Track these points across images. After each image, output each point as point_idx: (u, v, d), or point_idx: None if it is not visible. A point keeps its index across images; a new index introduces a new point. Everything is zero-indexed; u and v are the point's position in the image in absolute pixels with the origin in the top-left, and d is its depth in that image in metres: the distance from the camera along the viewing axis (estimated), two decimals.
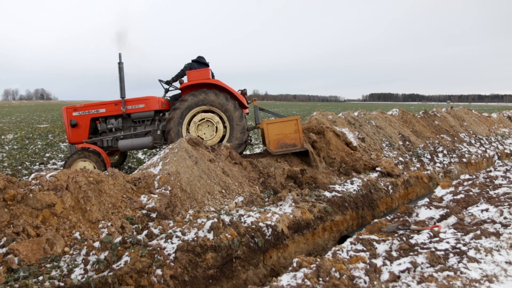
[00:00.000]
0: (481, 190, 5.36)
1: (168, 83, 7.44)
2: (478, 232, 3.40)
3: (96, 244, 3.47)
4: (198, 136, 6.82)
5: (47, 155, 9.62)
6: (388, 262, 3.06)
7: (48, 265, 3.22)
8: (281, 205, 5.05)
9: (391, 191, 6.65)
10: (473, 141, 11.46)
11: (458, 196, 5.04)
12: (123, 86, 6.98)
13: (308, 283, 2.73)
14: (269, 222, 4.33)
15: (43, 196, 3.73)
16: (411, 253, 3.15)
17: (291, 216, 4.64)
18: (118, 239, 3.53)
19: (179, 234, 3.72)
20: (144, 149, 8.88)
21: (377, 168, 7.15)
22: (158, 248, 3.43)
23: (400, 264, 2.95)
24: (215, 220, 3.91)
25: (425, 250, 3.16)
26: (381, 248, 3.41)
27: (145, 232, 3.79)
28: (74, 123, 7.06)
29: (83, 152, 6.72)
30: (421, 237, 3.53)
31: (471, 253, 3.01)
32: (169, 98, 7.64)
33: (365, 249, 3.40)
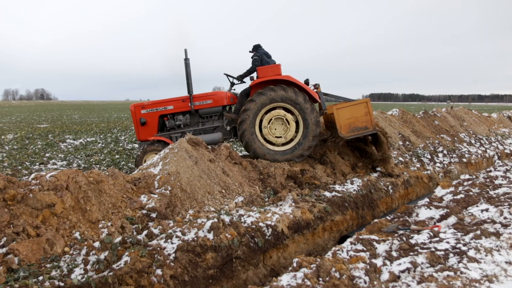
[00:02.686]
0: (481, 190, 5.36)
1: (240, 78, 7.25)
2: (478, 232, 3.41)
3: (96, 244, 3.47)
4: (269, 130, 6.72)
5: (47, 155, 9.62)
6: (388, 262, 3.06)
7: (48, 265, 3.22)
8: (281, 205, 5.05)
9: (391, 191, 6.65)
10: (473, 141, 11.46)
11: (458, 196, 5.04)
12: (190, 82, 7.03)
13: (308, 283, 2.73)
14: (269, 222, 4.33)
15: (43, 196, 3.73)
16: (411, 253, 3.15)
17: (291, 216, 4.64)
18: (118, 239, 3.53)
19: (179, 234, 3.71)
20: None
21: (377, 168, 7.16)
22: (158, 248, 3.43)
23: (400, 264, 2.95)
24: (215, 220, 3.91)
25: (425, 250, 3.16)
26: (381, 248, 3.41)
27: (145, 232, 3.78)
28: (143, 121, 7.19)
29: (154, 145, 6.90)
30: (421, 237, 3.53)
31: (471, 253, 3.01)
32: (235, 92, 7.58)
33: (365, 249, 3.40)
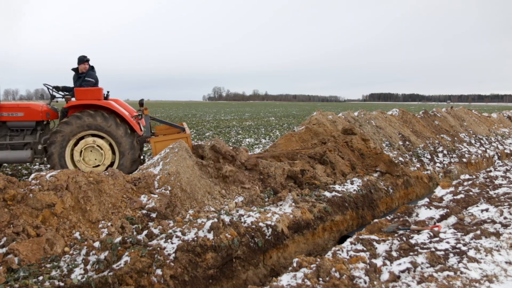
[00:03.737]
0: (481, 190, 5.36)
1: (63, 90, 6.72)
2: (478, 232, 3.41)
3: (96, 244, 3.47)
4: (83, 161, 6.25)
5: None
6: (388, 262, 3.06)
7: (48, 265, 3.22)
8: (281, 205, 5.05)
9: (391, 191, 6.65)
10: (473, 141, 11.46)
11: (458, 196, 5.04)
12: None
13: (308, 283, 2.73)
14: (269, 222, 4.33)
15: (43, 196, 3.73)
16: (411, 253, 3.15)
17: (291, 216, 4.64)
18: (118, 239, 3.53)
19: (179, 234, 3.71)
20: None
21: (377, 168, 7.15)
22: (158, 248, 3.43)
23: (400, 264, 2.95)
24: (215, 220, 3.91)
25: (425, 250, 3.16)
26: (381, 248, 3.41)
27: (145, 232, 3.78)
28: None
29: None
30: (421, 237, 3.53)
31: (471, 253, 3.01)
32: (56, 107, 6.94)
33: (365, 249, 3.40)
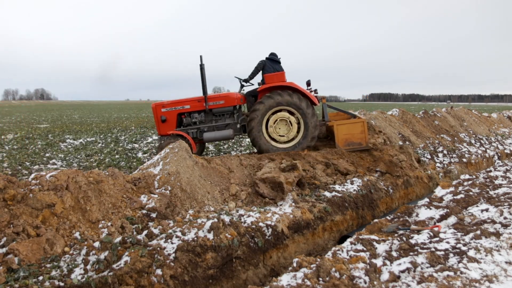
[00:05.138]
0: (481, 190, 5.36)
1: (246, 80, 8.21)
2: (478, 232, 3.40)
3: (96, 244, 3.47)
4: (274, 129, 7.63)
5: (47, 155, 9.62)
6: (388, 262, 3.06)
7: (48, 265, 3.22)
8: (281, 205, 5.05)
9: (391, 191, 6.65)
10: (473, 141, 11.46)
11: (458, 196, 5.04)
12: (205, 84, 7.91)
13: (308, 283, 2.73)
14: (269, 222, 4.33)
15: (43, 196, 3.73)
16: (411, 253, 3.15)
17: (291, 216, 4.64)
18: (118, 239, 3.53)
19: (179, 234, 3.71)
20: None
21: (377, 169, 7.15)
22: (158, 248, 3.43)
23: (400, 264, 2.95)
24: (215, 220, 3.91)
25: (425, 250, 3.16)
26: (381, 248, 3.41)
27: (145, 232, 3.78)
28: (163, 118, 8.17)
29: (173, 137, 7.87)
30: (421, 237, 3.53)
31: (471, 253, 3.01)
32: (244, 93, 8.36)
33: (365, 249, 3.40)
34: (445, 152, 9.63)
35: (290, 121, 7.58)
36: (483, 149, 10.92)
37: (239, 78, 8.27)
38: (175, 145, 5.36)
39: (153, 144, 11.42)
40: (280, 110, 7.61)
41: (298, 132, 7.67)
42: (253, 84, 8.26)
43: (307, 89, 8.04)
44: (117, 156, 9.64)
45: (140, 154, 10.07)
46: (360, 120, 7.57)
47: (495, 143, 11.97)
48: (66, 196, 3.87)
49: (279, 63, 8.22)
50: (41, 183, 3.89)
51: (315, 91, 8.13)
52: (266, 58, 8.19)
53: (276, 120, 7.59)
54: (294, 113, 7.58)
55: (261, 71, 8.16)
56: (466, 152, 10.09)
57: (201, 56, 7.78)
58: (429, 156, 9.10)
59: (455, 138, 11.20)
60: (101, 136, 13.72)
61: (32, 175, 4.07)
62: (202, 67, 7.77)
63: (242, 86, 8.36)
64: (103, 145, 11.54)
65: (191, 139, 7.83)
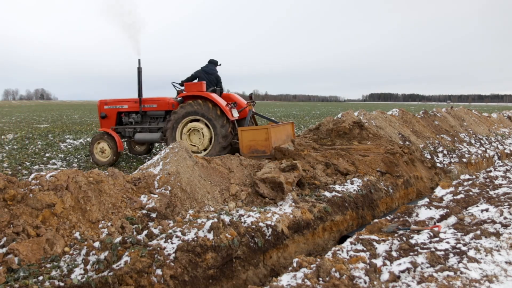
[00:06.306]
0: (481, 190, 5.36)
1: (181, 86, 8.52)
2: (478, 232, 3.40)
3: (96, 244, 3.47)
4: (190, 140, 7.82)
5: (47, 155, 9.61)
6: (388, 262, 3.06)
7: (48, 265, 3.22)
8: (281, 205, 5.05)
9: (391, 191, 6.65)
10: (473, 141, 11.46)
11: (458, 196, 5.04)
12: (141, 87, 8.21)
13: (308, 283, 2.73)
14: (269, 222, 4.33)
15: (43, 196, 3.73)
16: (411, 253, 3.15)
17: (291, 216, 4.63)
18: (118, 239, 3.53)
19: (179, 234, 3.71)
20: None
21: (377, 169, 7.15)
22: (158, 248, 3.43)
23: (400, 264, 2.95)
24: (215, 220, 3.91)
25: (425, 250, 3.16)
26: (381, 248, 3.41)
27: (145, 232, 3.78)
28: (103, 115, 8.64)
29: (103, 134, 8.34)
30: (421, 237, 3.53)
31: (471, 253, 3.01)
32: (178, 100, 8.50)
33: (365, 249, 3.39)
34: (445, 152, 9.63)
35: (202, 132, 7.68)
36: (483, 149, 10.92)
37: (174, 83, 8.65)
38: (175, 145, 5.35)
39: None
40: (195, 120, 7.77)
41: (210, 142, 7.75)
42: (178, 95, 8.44)
43: (249, 101, 8.35)
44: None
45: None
46: (265, 127, 7.06)
47: (495, 143, 11.97)
48: (66, 196, 3.87)
49: (216, 71, 8.61)
50: (41, 183, 3.89)
51: (250, 103, 8.29)
52: (201, 68, 8.53)
53: (190, 129, 7.77)
54: (207, 123, 7.70)
55: (197, 79, 8.47)
56: (466, 152, 10.09)
57: (139, 60, 8.11)
58: (429, 156, 9.10)
59: (455, 138, 11.20)
60: None
61: (32, 175, 4.06)
62: (139, 70, 8.13)
63: (178, 92, 8.60)
64: None
65: (118, 137, 8.16)
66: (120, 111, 8.63)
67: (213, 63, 8.72)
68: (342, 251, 3.37)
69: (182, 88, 8.49)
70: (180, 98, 8.34)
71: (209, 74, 8.49)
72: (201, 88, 7.92)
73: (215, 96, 7.81)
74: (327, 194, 5.61)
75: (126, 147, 10.02)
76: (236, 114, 8.06)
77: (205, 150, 7.76)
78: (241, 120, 8.38)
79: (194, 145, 7.76)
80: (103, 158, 8.49)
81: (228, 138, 7.66)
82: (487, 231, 3.38)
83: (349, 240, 3.63)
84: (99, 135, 8.47)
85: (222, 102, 7.78)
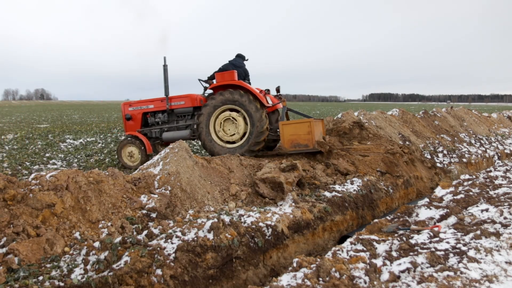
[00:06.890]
0: (481, 190, 5.36)
1: (206, 82, 8.18)
2: (478, 232, 3.40)
3: (96, 244, 3.47)
4: (223, 131, 7.43)
5: (47, 155, 9.61)
6: (388, 262, 3.06)
7: (48, 265, 3.22)
8: (281, 205, 5.05)
9: (391, 191, 6.65)
10: (473, 141, 11.46)
11: (458, 196, 5.04)
12: (167, 85, 7.96)
13: (308, 283, 2.73)
14: (269, 222, 4.33)
15: (43, 196, 3.73)
16: (411, 253, 3.14)
17: (291, 216, 4.63)
18: (118, 239, 3.53)
19: (179, 234, 3.71)
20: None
21: (378, 169, 7.15)
22: (158, 248, 3.43)
23: (400, 264, 2.95)
24: (215, 220, 3.91)
25: (425, 250, 3.16)
26: (381, 248, 3.41)
27: (145, 232, 3.78)
28: (128, 116, 8.42)
29: (132, 138, 8.14)
30: (421, 237, 3.53)
31: (471, 253, 3.01)
32: (206, 95, 8.29)
33: (365, 249, 3.39)
34: (445, 152, 9.63)
35: (234, 118, 7.27)
36: (483, 149, 10.92)
37: (200, 80, 8.27)
38: (175, 145, 5.35)
39: None
40: (229, 110, 7.36)
41: (244, 134, 7.35)
42: (208, 87, 8.06)
43: (276, 95, 8.08)
44: (117, 156, 9.64)
45: None
46: (307, 120, 7.03)
47: (495, 143, 11.97)
48: (66, 196, 3.87)
49: (243, 64, 8.19)
50: (41, 183, 3.89)
51: (278, 94, 8.03)
52: (229, 61, 8.13)
53: (221, 122, 7.37)
54: (239, 111, 7.30)
55: None
56: (466, 152, 10.09)
57: (164, 58, 7.88)
58: (429, 156, 9.10)
59: (455, 138, 11.20)
60: (101, 136, 13.72)
61: (32, 175, 4.06)
62: (165, 68, 7.88)
63: (205, 88, 8.29)
64: (103, 145, 11.53)
65: (146, 140, 7.97)
66: (146, 112, 8.38)
67: (240, 57, 8.36)
68: (342, 251, 3.37)
69: (207, 85, 8.12)
70: (209, 91, 8.05)
71: (237, 67, 8.01)
72: (233, 77, 7.46)
73: (250, 86, 7.47)
74: (327, 194, 5.61)
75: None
76: (270, 102, 7.79)
77: (242, 137, 7.36)
78: (269, 114, 8.01)
79: (234, 134, 7.31)
80: (132, 162, 8.19)
81: (265, 132, 7.28)
82: (487, 231, 3.38)
83: (349, 240, 3.63)
84: (126, 139, 8.22)
85: (258, 93, 7.44)
